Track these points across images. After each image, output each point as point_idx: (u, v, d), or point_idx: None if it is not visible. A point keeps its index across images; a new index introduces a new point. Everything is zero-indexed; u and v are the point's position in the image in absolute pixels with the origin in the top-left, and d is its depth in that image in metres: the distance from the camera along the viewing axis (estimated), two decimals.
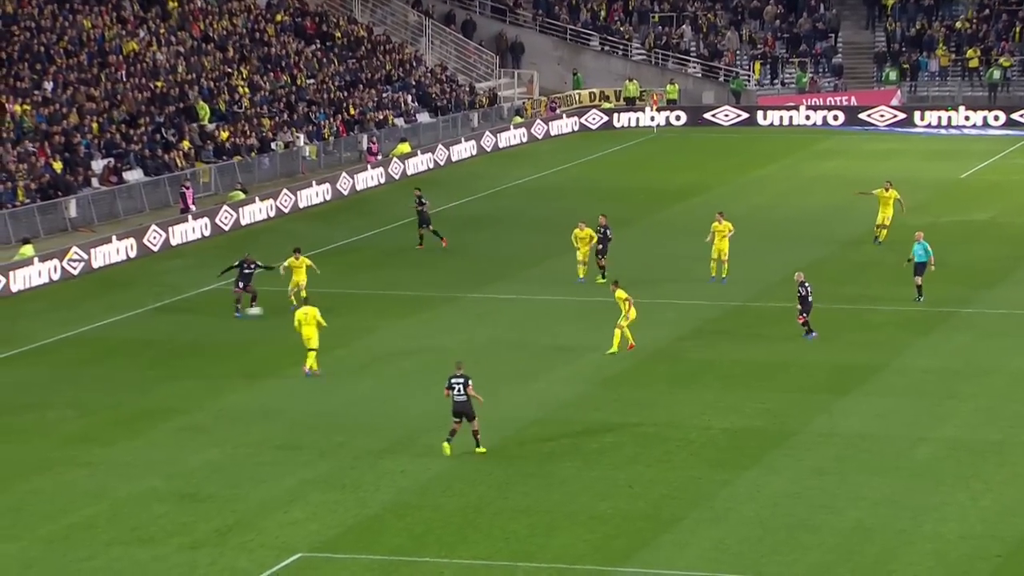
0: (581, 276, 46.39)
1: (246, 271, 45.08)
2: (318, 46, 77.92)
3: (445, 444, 32.71)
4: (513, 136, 76.55)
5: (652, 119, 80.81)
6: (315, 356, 38.72)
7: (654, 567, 27.34)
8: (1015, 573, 26.85)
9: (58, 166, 58.57)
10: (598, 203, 62.06)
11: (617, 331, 39.96)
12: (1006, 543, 28.02)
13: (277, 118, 69.60)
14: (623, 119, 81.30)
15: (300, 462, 32.96)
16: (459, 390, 32.60)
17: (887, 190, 52.01)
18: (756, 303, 42.29)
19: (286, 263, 44.96)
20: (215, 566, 27.69)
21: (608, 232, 47.07)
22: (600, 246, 46.96)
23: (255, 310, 44.66)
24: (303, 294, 43.41)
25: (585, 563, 27.56)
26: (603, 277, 46.36)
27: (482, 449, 32.72)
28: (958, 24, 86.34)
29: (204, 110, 66.44)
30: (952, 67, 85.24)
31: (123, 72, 66.90)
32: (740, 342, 41.26)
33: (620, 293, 39.96)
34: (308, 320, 38.69)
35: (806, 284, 40.75)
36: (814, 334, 40.77)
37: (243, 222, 58.59)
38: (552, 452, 33.30)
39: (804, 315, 40.53)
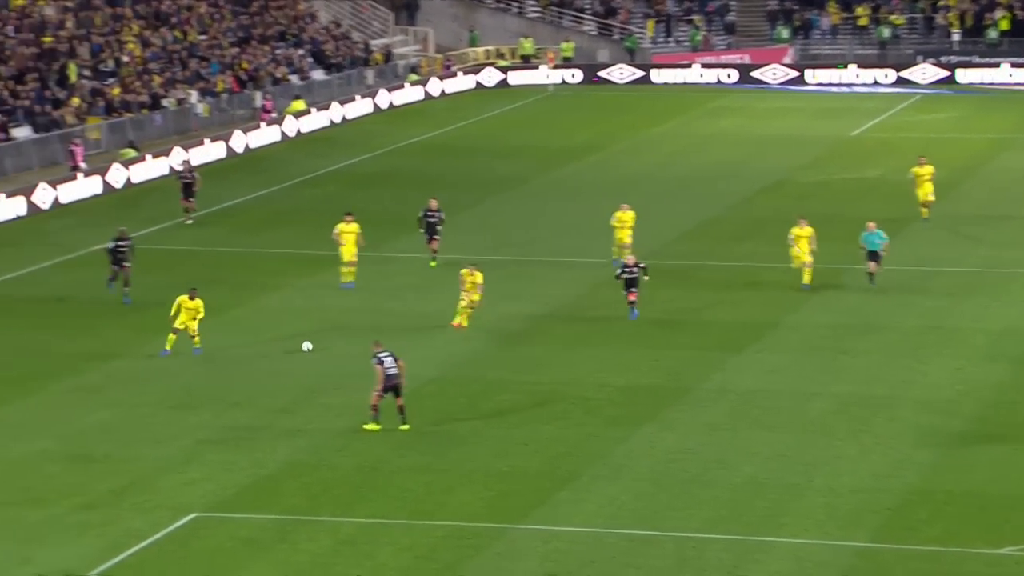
0: (616, 258, 43.09)
1: (120, 250, 41.46)
2: (210, 2, 76.96)
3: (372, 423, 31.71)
4: (409, 94, 76.21)
5: (547, 77, 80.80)
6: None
7: (551, 524, 27.50)
8: (904, 525, 27.33)
9: None
10: (494, 161, 62.10)
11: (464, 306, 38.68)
12: (895, 495, 28.51)
13: (168, 74, 68.73)
14: (519, 77, 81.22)
15: (196, 422, 32.73)
16: (391, 363, 31.30)
17: (922, 166, 48.97)
18: (650, 261, 42.47)
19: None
20: (110, 527, 27.46)
21: (441, 215, 45.30)
22: (432, 230, 44.64)
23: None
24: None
25: (482, 521, 27.66)
26: (434, 260, 44.66)
27: (406, 427, 31.63)
28: None
29: (72, 71, 64.88)
30: (843, 25, 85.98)
31: (11, 27, 65.67)
32: None
33: (478, 276, 38.47)
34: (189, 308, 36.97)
35: (639, 265, 39.46)
36: (636, 313, 39.39)
37: (135, 180, 57.89)
38: (449, 411, 33.35)
39: (632, 292, 39.31)
